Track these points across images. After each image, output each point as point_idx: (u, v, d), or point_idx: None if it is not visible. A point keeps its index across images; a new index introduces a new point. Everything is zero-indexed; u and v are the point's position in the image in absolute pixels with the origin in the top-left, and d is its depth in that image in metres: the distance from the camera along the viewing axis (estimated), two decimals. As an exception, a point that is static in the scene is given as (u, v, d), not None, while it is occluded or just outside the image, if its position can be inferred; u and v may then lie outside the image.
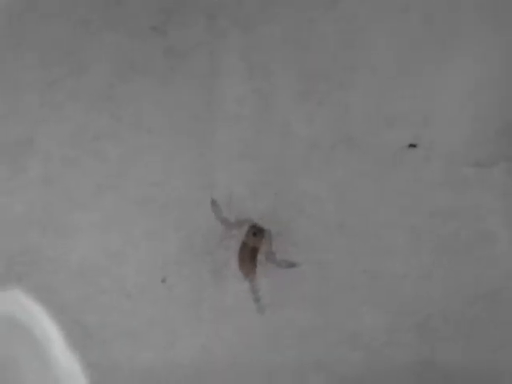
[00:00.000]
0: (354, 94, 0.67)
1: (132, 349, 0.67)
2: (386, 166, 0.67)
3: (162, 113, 0.68)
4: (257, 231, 0.66)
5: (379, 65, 0.67)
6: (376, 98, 0.67)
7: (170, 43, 0.68)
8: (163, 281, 0.67)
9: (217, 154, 0.68)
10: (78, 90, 0.67)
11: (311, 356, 0.67)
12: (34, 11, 0.67)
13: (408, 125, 0.67)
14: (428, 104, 0.67)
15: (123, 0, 0.67)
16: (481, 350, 0.66)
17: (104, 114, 0.67)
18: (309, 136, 0.68)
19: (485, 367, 0.66)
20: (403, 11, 0.67)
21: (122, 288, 0.67)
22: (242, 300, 0.67)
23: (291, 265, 0.66)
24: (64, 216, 0.67)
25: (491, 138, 0.67)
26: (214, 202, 0.66)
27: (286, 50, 0.68)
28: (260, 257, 0.66)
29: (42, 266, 0.67)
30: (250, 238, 0.66)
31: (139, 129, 0.68)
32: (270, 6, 0.68)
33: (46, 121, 0.67)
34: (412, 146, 0.67)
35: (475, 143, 0.67)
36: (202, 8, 0.68)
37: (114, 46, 0.67)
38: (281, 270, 0.66)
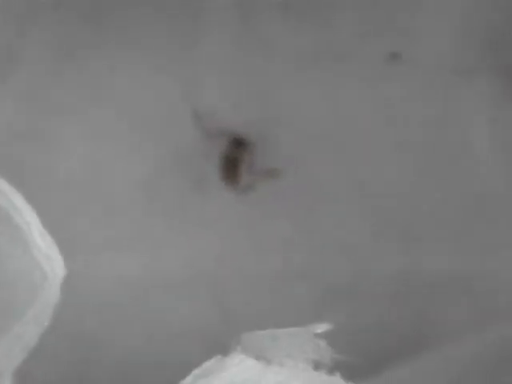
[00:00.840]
0: (338, 5, 0.67)
1: (116, 260, 0.67)
2: (371, 76, 0.67)
3: (147, 28, 0.68)
4: (239, 143, 0.66)
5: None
6: (360, 9, 0.67)
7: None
8: (145, 191, 0.67)
9: (200, 70, 0.68)
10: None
11: (296, 264, 0.67)
12: None
13: (392, 35, 0.67)
14: (412, 13, 0.67)
15: None
16: (468, 256, 0.67)
17: (88, 24, 0.67)
18: (292, 49, 0.68)
19: (473, 274, 0.66)
20: None
21: (106, 200, 0.67)
22: (225, 211, 0.67)
23: (270, 174, 0.66)
24: (47, 128, 0.67)
25: (476, 47, 0.67)
26: (194, 113, 0.66)
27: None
28: (242, 168, 0.67)
29: (26, 178, 0.67)
30: (232, 150, 0.66)
31: (125, 40, 0.68)
32: None
33: (29, 30, 0.67)
34: (395, 55, 0.67)
35: (459, 52, 0.67)
36: None
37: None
38: (264, 181, 0.67)
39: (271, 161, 0.67)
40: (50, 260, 0.48)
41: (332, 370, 0.32)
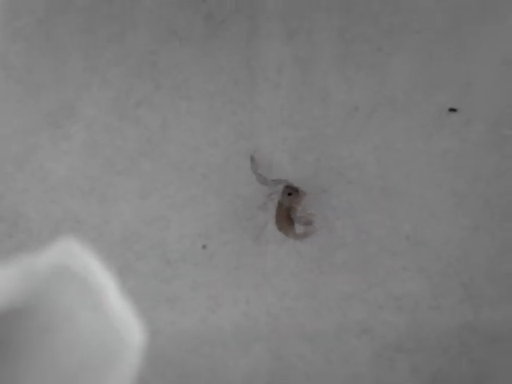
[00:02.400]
0: (394, 58, 0.67)
1: (173, 315, 0.67)
2: (428, 129, 0.67)
3: (202, 79, 0.68)
4: (291, 191, 0.66)
5: (421, 28, 0.67)
6: (417, 61, 0.67)
7: (210, 9, 0.68)
8: (204, 247, 0.68)
9: (257, 121, 0.68)
10: (119, 55, 0.67)
11: (353, 320, 0.67)
12: (75, -20, 0.68)
13: (449, 88, 0.67)
14: (469, 67, 0.67)
15: (163, -32, 0.68)
16: (526, 313, 0.66)
17: (145, 80, 0.68)
18: (349, 100, 0.67)
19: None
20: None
21: (162, 254, 0.67)
22: (282, 264, 0.67)
23: (309, 222, 0.66)
24: (105, 183, 0.68)
25: (534, 100, 0.66)
26: (252, 158, 0.67)
27: (325, 14, 0.68)
28: (295, 217, 0.67)
29: (84, 233, 0.67)
30: (285, 198, 0.66)
31: (180, 95, 0.68)
32: (310, -29, 0.68)
33: (88, 86, 0.67)
34: (452, 110, 0.67)
35: (517, 106, 0.67)
36: (241, -26, 0.68)
37: (155, 12, 0.68)
38: (321, 234, 0.67)
39: (327, 213, 0.67)
40: (126, 324, 0.48)
41: None
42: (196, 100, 0.68)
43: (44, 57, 0.67)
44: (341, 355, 0.67)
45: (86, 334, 0.44)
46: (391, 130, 0.67)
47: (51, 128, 0.67)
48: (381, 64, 0.67)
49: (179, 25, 0.68)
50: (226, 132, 0.68)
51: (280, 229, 0.66)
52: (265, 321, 0.67)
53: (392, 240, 0.67)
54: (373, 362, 0.67)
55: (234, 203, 0.68)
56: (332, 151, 0.68)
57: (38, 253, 0.42)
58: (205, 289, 0.67)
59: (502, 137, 0.67)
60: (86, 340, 0.44)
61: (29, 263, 0.41)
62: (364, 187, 0.67)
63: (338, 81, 0.68)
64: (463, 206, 0.67)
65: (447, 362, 0.67)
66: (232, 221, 0.68)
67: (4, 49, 0.67)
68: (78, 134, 0.67)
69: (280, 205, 0.66)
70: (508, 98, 0.67)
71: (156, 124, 0.68)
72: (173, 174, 0.68)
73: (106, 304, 0.45)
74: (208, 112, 0.68)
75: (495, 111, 0.67)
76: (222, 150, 0.68)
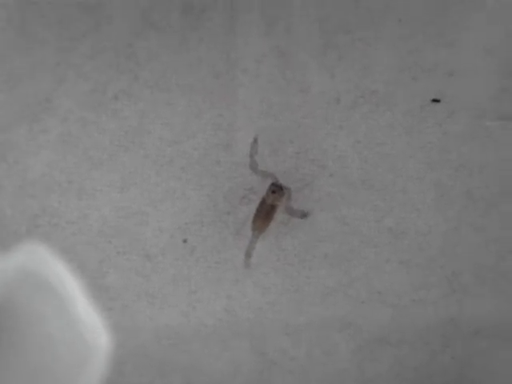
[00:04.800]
0: (375, 48, 0.66)
1: (153, 310, 0.66)
2: (410, 120, 0.66)
3: (181, 71, 0.67)
4: (276, 189, 0.65)
5: (402, 17, 0.66)
6: (398, 51, 0.66)
7: (188, 0, 0.67)
8: (184, 241, 0.67)
9: (236, 113, 0.67)
10: (96, 48, 0.66)
11: (336, 314, 0.66)
12: (49, -30, 0.66)
13: (431, 78, 0.66)
14: (452, 57, 0.66)
15: (140, -43, 0.67)
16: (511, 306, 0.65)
17: (122, 72, 0.66)
18: (330, 92, 0.66)
19: (513, 324, 0.65)
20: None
21: (142, 249, 0.66)
22: (263, 259, 0.66)
23: (304, 214, 0.65)
24: (83, 177, 0.66)
25: (517, 90, 0.65)
26: (254, 141, 0.65)
27: (304, 4, 0.66)
28: (277, 216, 0.66)
29: (63, 227, 0.66)
30: (269, 196, 0.65)
31: (158, 87, 0.67)
32: (289, -40, 0.67)
33: (64, 80, 0.66)
34: (435, 100, 0.66)
35: (499, 97, 0.66)
36: (220, -37, 0.67)
37: (132, 3, 0.66)
38: (303, 227, 0.66)
39: (310, 206, 0.66)
40: (94, 333, 0.48)
41: None
42: (175, 92, 0.67)
43: (18, 51, 0.65)
44: (324, 350, 0.66)
45: (55, 337, 0.44)
46: (373, 122, 0.66)
47: (27, 122, 0.66)
48: (362, 55, 0.66)
49: (156, 16, 0.66)
50: (205, 124, 0.67)
51: (254, 223, 0.65)
52: (246, 316, 0.66)
53: (374, 233, 0.66)
54: (355, 355, 0.66)
55: (213, 197, 0.67)
56: (313, 143, 0.67)
57: (8, 257, 0.41)
58: (185, 283, 0.66)
59: (484, 128, 0.66)
60: (55, 343, 0.44)
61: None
62: (346, 180, 0.66)
63: (319, 72, 0.66)
64: (446, 199, 0.66)
65: (430, 356, 0.66)
66: (212, 215, 0.67)
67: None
68: (55, 127, 0.66)
69: (263, 201, 0.65)
70: (491, 88, 0.66)
71: (134, 117, 0.67)
72: (151, 168, 0.67)
73: (73, 310, 0.45)
74: (187, 104, 0.67)
75: (478, 102, 0.66)
76: (201, 142, 0.67)
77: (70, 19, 0.66)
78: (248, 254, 0.66)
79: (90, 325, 0.47)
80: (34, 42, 0.66)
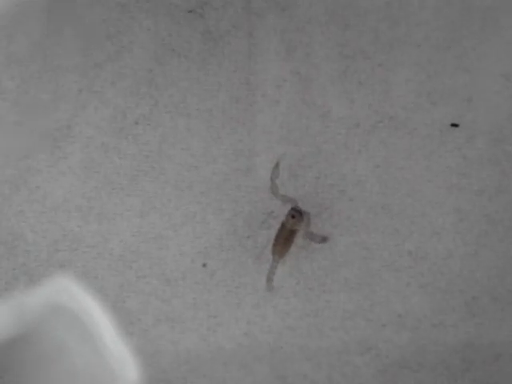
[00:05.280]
0: (395, 73, 0.66)
1: (174, 334, 0.67)
2: (429, 145, 0.66)
3: (201, 96, 0.67)
4: (296, 214, 0.65)
5: (421, 43, 0.66)
6: (418, 76, 0.67)
7: (208, 26, 0.67)
8: (204, 265, 0.67)
9: (256, 138, 0.67)
10: (116, 75, 0.67)
11: (356, 338, 0.66)
12: (70, -3, 0.67)
13: (450, 104, 0.66)
14: (471, 82, 0.66)
15: (159, -17, 0.67)
16: (529, 330, 0.65)
17: (143, 98, 0.67)
18: (349, 117, 0.67)
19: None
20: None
21: (162, 273, 0.67)
22: (283, 283, 0.67)
23: (324, 239, 0.66)
24: (103, 201, 0.67)
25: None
26: (277, 165, 0.65)
27: (324, 29, 0.67)
28: (297, 240, 0.66)
29: (83, 252, 0.67)
30: (288, 220, 0.65)
31: (178, 113, 0.67)
32: (308, -14, 0.67)
33: (85, 107, 0.67)
34: (454, 125, 0.66)
35: (519, 120, 0.66)
36: (239, -11, 0.67)
37: (152, 30, 0.67)
38: (323, 252, 0.66)
39: (329, 231, 0.67)
40: (121, 364, 0.48)
41: None
42: (194, 117, 0.67)
43: (40, 78, 0.66)
44: (344, 374, 0.66)
45: (80, 368, 0.44)
46: (392, 147, 0.67)
47: (48, 149, 0.66)
48: (381, 80, 0.67)
49: (177, 42, 0.67)
50: (225, 149, 0.67)
51: (274, 248, 0.65)
52: (266, 340, 0.67)
53: (394, 257, 0.66)
54: (376, 380, 0.66)
55: (233, 221, 0.67)
56: (333, 168, 0.67)
57: (35, 290, 0.41)
58: (205, 308, 0.67)
59: (503, 152, 0.66)
60: (80, 373, 0.44)
61: (25, 301, 0.41)
62: (365, 204, 0.67)
63: (338, 97, 0.67)
64: (466, 223, 0.66)
65: (450, 380, 0.66)
66: (232, 239, 0.67)
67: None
68: (75, 153, 0.66)
69: (283, 226, 0.66)
70: (510, 112, 0.66)
71: (154, 142, 0.67)
72: (171, 192, 0.67)
73: (100, 341, 0.45)
74: (207, 129, 0.67)
75: (497, 126, 0.66)
76: (221, 167, 0.67)
77: (91, 47, 0.66)
78: (269, 279, 0.66)
79: (117, 354, 0.47)
80: (56, 70, 0.66)
